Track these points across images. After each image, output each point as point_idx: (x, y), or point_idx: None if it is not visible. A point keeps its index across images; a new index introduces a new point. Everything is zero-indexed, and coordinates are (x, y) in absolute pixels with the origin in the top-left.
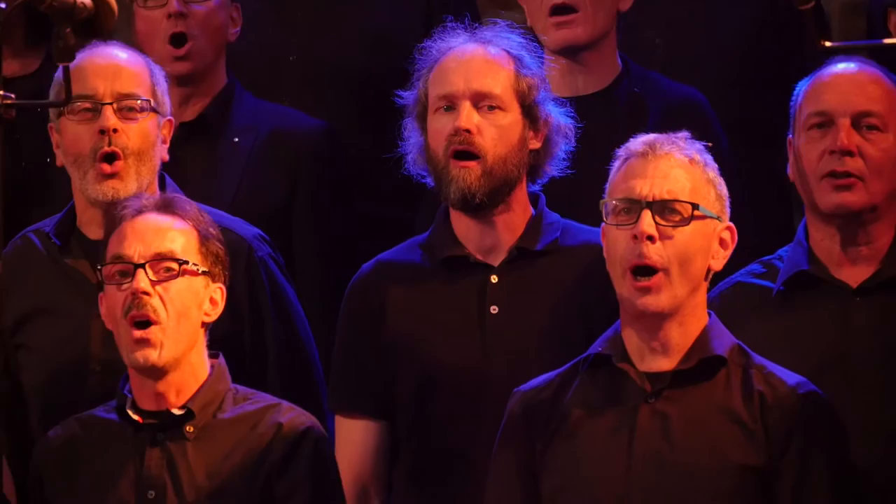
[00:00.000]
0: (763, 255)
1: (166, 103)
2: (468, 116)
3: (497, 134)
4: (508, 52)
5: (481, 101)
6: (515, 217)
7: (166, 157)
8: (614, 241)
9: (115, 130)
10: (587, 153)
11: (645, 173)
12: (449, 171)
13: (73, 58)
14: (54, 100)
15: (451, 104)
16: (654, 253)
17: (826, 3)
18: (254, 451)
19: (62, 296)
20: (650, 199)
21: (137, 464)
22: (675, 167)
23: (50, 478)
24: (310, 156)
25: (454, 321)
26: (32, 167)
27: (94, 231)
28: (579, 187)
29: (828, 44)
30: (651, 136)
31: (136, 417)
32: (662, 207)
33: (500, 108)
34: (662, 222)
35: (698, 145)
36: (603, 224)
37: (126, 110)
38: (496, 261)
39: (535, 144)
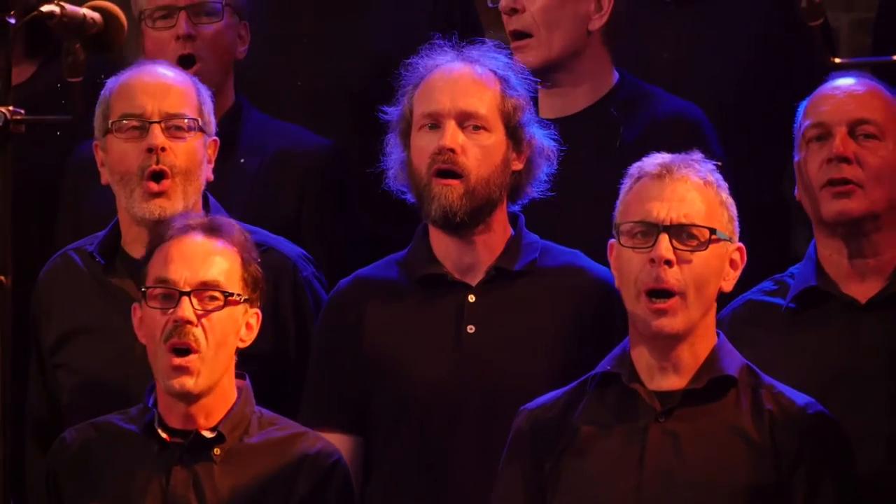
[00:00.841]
0: (763, 275)
1: (212, 122)
2: (453, 136)
3: (481, 154)
4: (495, 73)
5: (466, 120)
6: (495, 237)
7: (211, 177)
8: (628, 262)
9: (163, 149)
10: (561, 174)
11: (661, 196)
12: (431, 189)
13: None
14: (101, 119)
15: (436, 122)
16: (672, 277)
17: (835, 20)
18: (282, 479)
19: (106, 316)
20: (667, 223)
21: (163, 482)
22: (691, 190)
23: (66, 480)
24: (316, 175)
25: (431, 339)
26: (34, 181)
27: (138, 250)
28: (550, 208)
29: (837, 60)
30: (666, 158)
31: (163, 435)
32: (680, 231)
33: (484, 128)
34: (680, 246)
35: (710, 165)
36: (611, 241)
37: (174, 129)
38: (474, 280)
39: (518, 166)
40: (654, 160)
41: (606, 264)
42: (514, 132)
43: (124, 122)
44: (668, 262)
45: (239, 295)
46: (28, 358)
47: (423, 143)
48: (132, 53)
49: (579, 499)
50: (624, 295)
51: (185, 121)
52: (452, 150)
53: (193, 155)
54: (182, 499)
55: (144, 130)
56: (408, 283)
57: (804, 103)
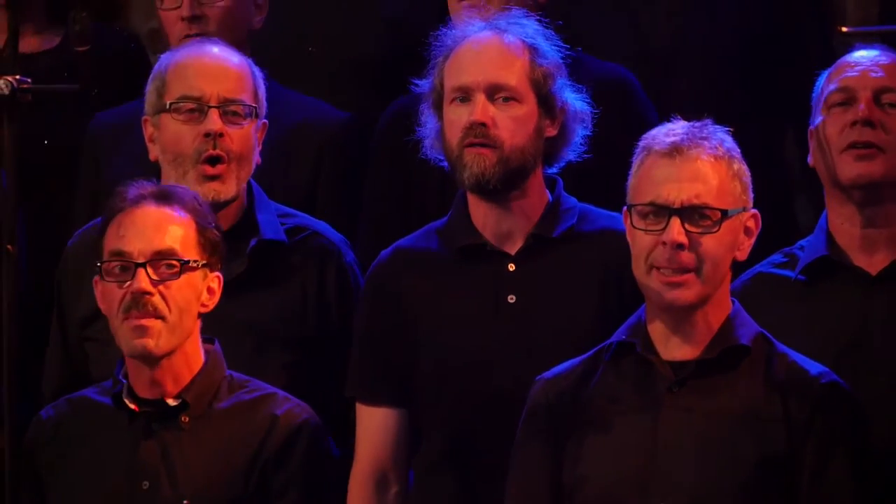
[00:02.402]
0: (767, 245)
1: (264, 106)
2: (483, 109)
3: (513, 125)
4: (524, 41)
5: (496, 92)
6: (531, 202)
7: (259, 160)
8: (641, 240)
9: (220, 135)
10: None
11: (671, 176)
12: (463, 158)
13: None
14: (154, 96)
15: (466, 95)
16: (685, 258)
17: None
18: (249, 443)
19: None
20: (678, 206)
21: (132, 453)
22: (702, 168)
23: (43, 460)
24: (333, 148)
25: (471, 310)
26: (50, 149)
27: None
28: None
29: (844, 29)
30: (678, 133)
31: (132, 406)
32: (692, 213)
33: (515, 99)
34: (692, 229)
35: (721, 134)
36: (625, 208)
37: (231, 115)
38: (513, 249)
39: (552, 132)
40: (667, 137)
41: None
42: (545, 100)
43: (182, 103)
44: (681, 246)
45: (196, 261)
46: (40, 325)
47: (455, 117)
48: (141, 22)
49: (592, 469)
50: (636, 269)
51: (242, 107)
52: (483, 124)
53: (248, 141)
54: (151, 469)
55: (202, 114)
56: (447, 253)
57: (826, 71)
